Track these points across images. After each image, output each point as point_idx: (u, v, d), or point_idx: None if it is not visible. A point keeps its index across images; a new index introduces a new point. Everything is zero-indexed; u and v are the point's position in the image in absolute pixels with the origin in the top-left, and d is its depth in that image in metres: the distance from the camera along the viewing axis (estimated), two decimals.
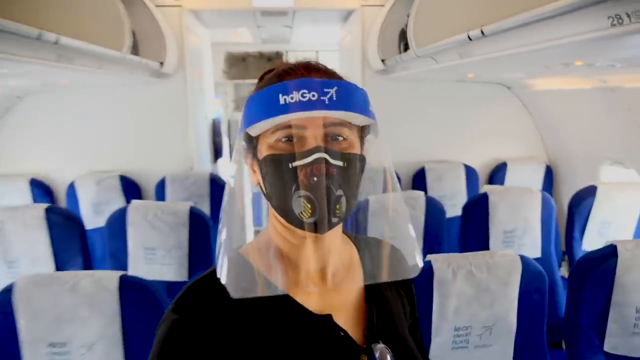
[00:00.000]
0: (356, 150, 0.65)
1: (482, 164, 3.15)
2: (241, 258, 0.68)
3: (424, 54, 2.01)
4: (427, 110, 3.10)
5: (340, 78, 0.68)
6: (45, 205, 2.02)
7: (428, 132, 3.10)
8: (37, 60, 1.57)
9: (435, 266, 1.25)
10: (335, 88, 0.60)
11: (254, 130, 0.65)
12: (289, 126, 0.62)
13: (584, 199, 2.21)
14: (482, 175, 3.15)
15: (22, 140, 2.93)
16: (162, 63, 2.56)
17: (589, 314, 1.30)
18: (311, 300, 0.68)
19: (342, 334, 0.67)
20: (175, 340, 0.62)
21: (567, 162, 2.99)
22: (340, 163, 0.61)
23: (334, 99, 0.60)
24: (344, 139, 0.64)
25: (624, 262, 1.27)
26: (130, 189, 2.96)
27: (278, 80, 0.65)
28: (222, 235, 0.63)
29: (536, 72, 2.25)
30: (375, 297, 0.73)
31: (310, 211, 0.59)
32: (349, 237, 0.77)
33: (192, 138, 3.12)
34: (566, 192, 2.92)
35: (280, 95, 0.60)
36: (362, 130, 0.68)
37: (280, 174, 0.61)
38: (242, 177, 0.66)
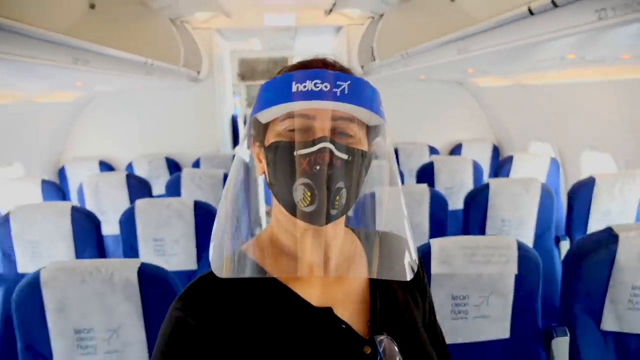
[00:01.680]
0: (363, 147, 0.64)
1: (442, 145, 4.06)
2: (237, 248, 0.66)
3: (383, 64, 2.91)
4: (398, 103, 4.00)
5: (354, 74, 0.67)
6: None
7: (400, 120, 4.00)
8: (131, 75, 2.50)
9: (433, 247, 1.36)
10: (349, 82, 0.60)
11: (264, 117, 0.65)
12: (300, 115, 0.61)
13: (583, 188, 2.29)
14: (443, 153, 4.04)
15: (92, 131, 3.88)
16: (198, 72, 3.48)
17: (586, 294, 1.39)
18: (313, 293, 0.68)
19: (344, 326, 0.66)
20: (178, 338, 0.62)
21: (507, 141, 3.88)
22: (345, 156, 0.61)
23: (346, 92, 0.60)
24: (352, 135, 0.63)
25: (622, 244, 1.35)
26: (173, 166, 3.90)
27: (293, 70, 0.65)
28: (217, 227, 0.64)
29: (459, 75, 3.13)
30: (381, 288, 0.72)
31: (309, 199, 0.59)
32: (352, 231, 0.76)
33: (218, 128, 4.05)
34: (519, 165, 3.79)
35: (294, 83, 0.60)
36: (371, 131, 0.67)
37: (284, 161, 0.61)
38: (242, 169, 0.67)
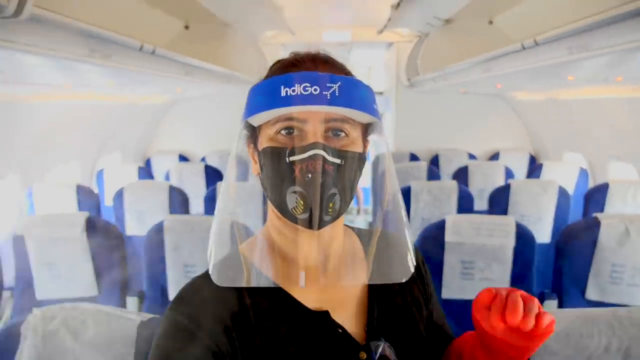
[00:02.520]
0: (357, 147, 0.63)
1: (481, 153, 4.38)
2: (234, 251, 0.65)
3: (426, 79, 3.33)
4: (441, 113, 4.38)
5: (347, 73, 0.67)
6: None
7: (441, 128, 4.38)
8: (215, 84, 3.08)
9: (448, 221, 1.77)
10: (339, 83, 0.58)
11: (255, 121, 0.64)
12: (290, 118, 0.60)
13: (598, 193, 2.60)
14: (482, 160, 4.37)
15: (174, 129, 4.56)
16: None
17: (573, 270, 1.74)
18: (309, 296, 0.67)
19: (340, 330, 0.66)
20: (174, 340, 0.62)
21: (543, 151, 4.14)
22: (337, 161, 0.60)
23: (337, 94, 0.58)
24: (346, 135, 0.62)
25: (604, 230, 1.70)
26: (240, 161, 4.50)
27: (283, 72, 0.63)
28: (215, 229, 0.63)
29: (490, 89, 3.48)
30: (379, 291, 0.70)
31: (302, 208, 0.59)
32: (352, 229, 0.75)
33: None
34: (546, 172, 4.06)
35: (282, 87, 0.58)
36: (367, 128, 0.66)
37: (277, 167, 0.60)
38: (237, 169, 0.65)
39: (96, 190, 3.26)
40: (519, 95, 3.92)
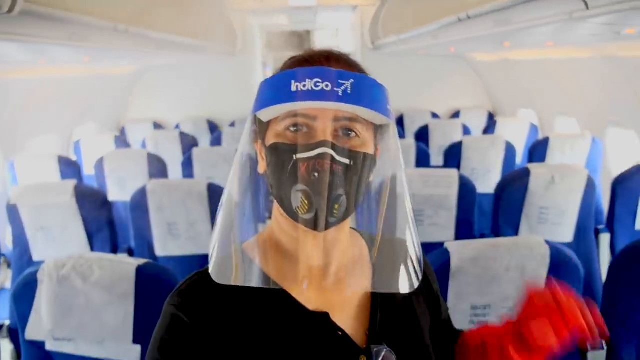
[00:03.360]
0: (368, 149, 0.61)
1: (443, 111, 4.64)
2: (236, 248, 0.63)
3: (387, 42, 3.50)
4: (405, 74, 4.58)
5: (361, 71, 0.65)
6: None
7: (406, 89, 4.60)
8: (184, 53, 3.19)
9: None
10: (352, 81, 0.57)
11: (264, 115, 0.63)
12: (299, 115, 0.59)
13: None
14: (444, 118, 4.63)
15: (146, 98, 4.63)
16: (235, 47, 4.15)
17: (509, 213, 1.53)
18: (310, 297, 0.65)
19: (340, 333, 0.64)
20: (172, 335, 0.62)
21: (500, 108, 4.43)
22: (346, 161, 0.58)
23: (349, 91, 0.57)
24: (357, 135, 0.60)
25: (533, 178, 1.40)
26: (213, 127, 4.64)
27: (295, 67, 0.62)
28: (219, 226, 0.62)
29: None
30: (382, 296, 0.68)
31: (306, 207, 0.57)
32: (361, 234, 0.73)
33: (250, 95, 4.74)
34: (500, 128, 4.36)
35: (293, 81, 0.57)
36: (379, 131, 0.64)
37: (283, 164, 0.59)
38: (245, 166, 0.64)
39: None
40: (477, 57, 4.14)
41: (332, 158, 0.57)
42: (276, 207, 0.66)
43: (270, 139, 0.62)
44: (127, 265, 1.20)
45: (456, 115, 4.62)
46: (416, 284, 0.62)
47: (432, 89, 4.66)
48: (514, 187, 2.10)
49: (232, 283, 0.61)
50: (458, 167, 2.91)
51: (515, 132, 3.64)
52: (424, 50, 3.92)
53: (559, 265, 1.23)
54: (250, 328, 0.63)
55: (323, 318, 0.64)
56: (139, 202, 2.05)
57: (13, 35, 1.11)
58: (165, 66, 4.54)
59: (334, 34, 6.44)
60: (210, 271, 0.61)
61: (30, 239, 2.05)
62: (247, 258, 0.65)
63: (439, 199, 2.06)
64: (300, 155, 0.58)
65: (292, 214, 0.60)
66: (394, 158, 0.63)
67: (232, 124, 4.49)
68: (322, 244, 0.64)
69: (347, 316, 0.66)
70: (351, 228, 0.71)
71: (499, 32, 1.71)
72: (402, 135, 3.75)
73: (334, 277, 0.66)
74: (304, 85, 0.57)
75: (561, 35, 2.05)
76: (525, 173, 2.08)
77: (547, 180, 2.05)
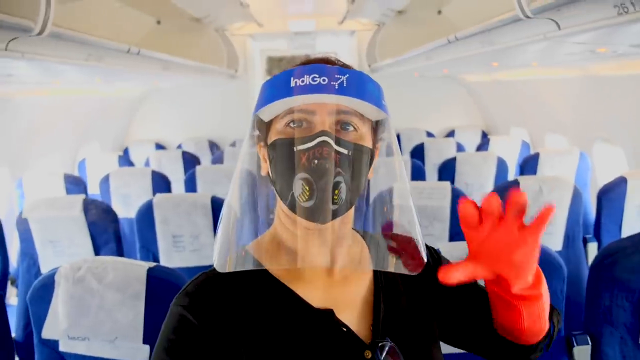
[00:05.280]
0: (366, 143, 0.64)
1: (438, 130, 4.78)
2: (240, 247, 0.66)
3: (383, 64, 3.65)
4: (401, 95, 4.73)
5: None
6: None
7: (402, 109, 4.72)
8: (187, 76, 3.32)
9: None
10: (347, 75, 0.60)
11: (266, 115, 0.65)
12: (299, 111, 0.61)
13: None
14: (439, 137, 4.76)
15: (149, 119, 4.77)
16: (236, 70, 4.30)
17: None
18: (315, 294, 0.67)
19: (345, 329, 0.66)
20: (180, 335, 0.63)
21: (494, 127, 4.57)
22: (345, 150, 0.60)
23: (345, 85, 0.59)
24: (355, 129, 0.63)
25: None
26: (214, 147, 4.75)
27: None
28: (223, 227, 0.63)
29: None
30: (385, 290, 0.70)
31: (307, 194, 0.59)
32: (360, 234, 0.74)
33: (251, 115, 4.89)
34: (493, 145, 4.49)
35: (292, 78, 0.60)
36: (377, 127, 0.66)
37: (284, 157, 0.61)
38: (247, 169, 0.66)
39: None
40: (469, 78, 4.30)
41: (331, 146, 0.59)
42: (279, 207, 0.68)
43: (272, 137, 0.65)
44: (138, 267, 1.27)
45: (451, 134, 4.75)
46: (422, 266, 0.63)
47: (427, 109, 4.82)
48: (503, 198, 2.19)
49: (239, 278, 0.63)
50: (452, 182, 3.01)
51: (507, 149, 3.76)
52: (418, 72, 4.07)
53: (542, 263, 1.30)
54: (257, 327, 0.64)
55: (328, 315, 0.66)
56: (145, 215, 2.14)
57: (40, 55, 1.22)
58: (167, 89, 4.69)
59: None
60: (215, 266, 0.62)
61: (39, 252, 2.13)
62: (252, 257, 0.67)
63: (433, 210, 2.15)
64: (300, 147, 0.60)
65: (294, 205, 0.61)
66: (392, 150, 0.66)
67: (233, 144, 4.60)
68: (327, 241, 0.66)
69: (351, 313, 0.68)
70: (353, 229, 0.72)
71: (485, 52, 1.83)
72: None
73: (339, 274, 0.68)
74: (302, 81, 0.60)
75: (543, 55, 2.19)
76: (514, 184, 2.17)
77: (535, 191, 2.15)
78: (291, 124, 0.63)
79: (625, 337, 1.33)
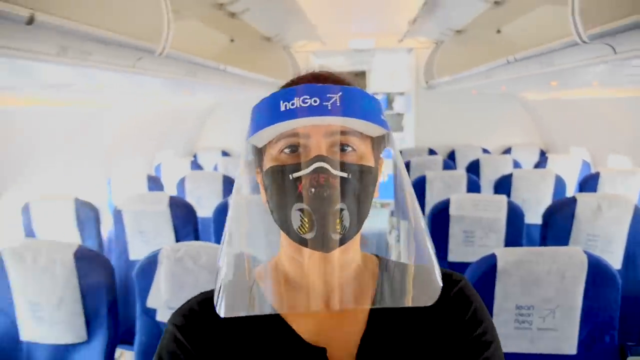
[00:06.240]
0: (366, 162, 0.60)
1: (494, 148, 4.78)
2: (241, 279, 0.61)
3: (441, 82, 3.77)
4: (457, 111, 4.80)
5: (349, 85, 0.63)
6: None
7: (458, 125, 4.81)
8: (256, 89, 3.61)
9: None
10: (340, 94, 0.56)
11: (259, 141, 0.61)
12: (293, 135, 0.58)
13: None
14: (495, 154, 4.77)
15: (216, 129, 5.14)
16: None
17: (556, 238, 1.53)
18: (309, 327, 0.64)
19: None
20: (170, 353, 0.63)
21: (552, 146, 4.52)
22: (344, 174, 0.57)
23: (338, 104, 0.56)
24: (353, 149, 0.59)
25: (580, 205, 1.50)
26: None
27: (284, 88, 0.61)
28: (223, 258, 0.59)
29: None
30: (382, 329, 0.64)
31: (307, 226, 0.55)
32: (379, 260, 0.69)
33: None
34: (551, 164, 4.43)
35: (282, 101, 0.56)
36: (378, 143, 0.63)
37: (281, 186, 0.58)
38: (244, 192, 0.63)
39: None
40: (527, 95, 4.30)
41: (328, 172, 0.56)
42: (283, 236, 0.64)
43: (267, 164, 0.61)
44: None
45: (507, 151, 4.74)
46: (435, 297, 0.57)
47: (484, 126, 4.85)
48: (561, 214, 2.24)
49: (233, 314, 0.58)
50: (508, 197, 3.06)
51: (566, 168, 3.73)
52: (476, 90, 4.14)
53: (597, 272, 1.39)
54: (246, 356, 0.63)
55: (320, 353, 0.62)
56: (222, 213, 2.39)
57: (158, 72, 1.48)
58: (234, 101, 5.04)
59: (389, 74, 6.82)
60: (215, 305, 0.58)
61: (129, 241, 2.43)
62: (245, 285, 0.62)
63: (489, 222, 2.24)
64: (296, 174, 0.57)
65: (295, 237, 0.57)
66: (397, 169, 0.61)
67: None
68: (328, 269, 0.61)
69: (346, 351, 0.63)
70: (368, 253, 0.69)
71: (544, 73, 1.92)
72: (452, 168, 3.93)
73: (339, 305, 0.63)
74: (292, 104, 0.56)
75: (604, 76, 2.23)
76: (572, 201, 2.22)
77: (593, 208, 2.18)
78: (285, 150, 0.59)
79: None
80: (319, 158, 0.56)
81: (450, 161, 3.99)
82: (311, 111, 0.56)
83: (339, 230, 0.56)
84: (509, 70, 2.30)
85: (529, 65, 1.96)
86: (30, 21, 0.80)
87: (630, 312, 1.88)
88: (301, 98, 0.56)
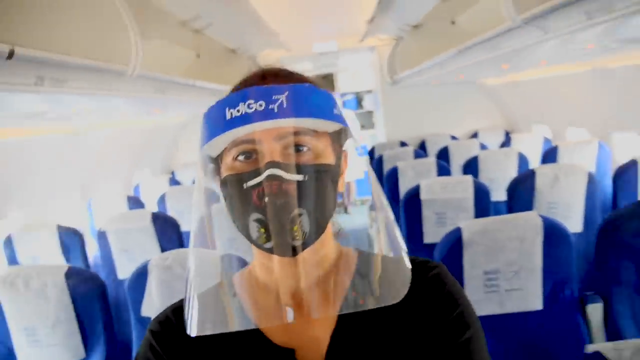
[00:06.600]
0: (326, 159, 0.59)
1: (462, 134, 4.98)
2: (213, 290, 0.62)
3: (403, 76, 3.93)
4: (423, 103, 4.98)
5: (300, 81, 0.62)
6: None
7: (425, 116, 4.99)
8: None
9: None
10: (286, 93, 0.54)
11: (212, 151, 0.60)
12: (244, 142, 0.56)
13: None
14: (462, 139, 4.97)
15: (190, 144, 5.18)
16: None
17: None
18: (278, 329, 0.63)
19: None
20: (144, 354, 0.65)
21: (516, 126, 4.73)
22: (300, 177, 0.55)
23: (284, 106, 0.54)
24: (309, 149, 0.58)
25: (539, 178, 1.81)
26: None
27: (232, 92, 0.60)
28: (192, 269, 0.59)
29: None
30: (353, 326, 0.62)
31: (264, 236, 0.54)
32: (359, 253, 0.67)
33: None
34: (515, 143, 4.64)
35: (227, 109, 0.55)
36: (336, 137, 0.62)
37: (237, 195, 0.56)
38: (205, 203, 0.61)
39: None
40: (487, 81, 4.51)
41: (282, 178, 0.54)
42: None
43: (223, 173, 0.60)
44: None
45: (474, 136, 4.94)
46: (399, 296, 0.56)
47: (450, 115, 5.04)
48: (523, 187, 2.40)
49: (203, 332, 0.57)
50: (476, 178, 3.22)
51: (529, 146, 3.93)
52: (438, 80, 4.32)
53: (551, 233, 1.53)
54: (210, 356, 0.63)
55: (288, 355, 0.62)
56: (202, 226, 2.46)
57: (130, 92, 1.57)
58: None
59: (355, 74, 6.98)
60: (186, 322, 0.58)
61: (116, 259, 2.48)
62: (215, 299, 0.62)
63: (458, 202, 2.38)
64: (249, 183, 0.55)
65: (258, 245, 0.57)
66: (356, 160, 0.60)
67: None
68: (297, 271, 0.60)
69: (316, 352, 0.62)
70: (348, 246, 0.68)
71: (494, 57, 2.08)
72: (424, 157, 4.09)
73: (308, 307, 0.61)
74: (238, 110, 0.54)
75: (548, 54, 2.41)
76: (532, 174, 2.38)
77: (551, 178, 2.34)
78: (239, 157, 0.58)
79: (633, 295, 1.55)
80: (271, 164, 0.55)
81: (421, 151, 4.15)
82: (257, 116, 0.54)
83: (298, 237, 0.55)
84: (461, 59, 2.45)
85: (478, 52, 2.12)
86: (11, 55, 0.88)
87: (587, 266, 2.05)
88: (246, 103, 0.54)
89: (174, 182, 4.21)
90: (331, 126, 0.60)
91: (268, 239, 0.55)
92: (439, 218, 2.41)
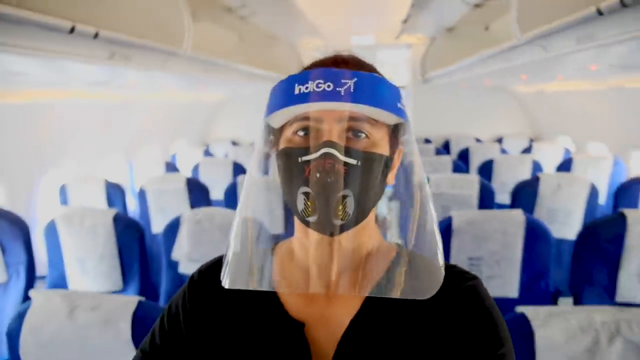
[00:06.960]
0: (380, 149, 0.60)
1: (486, 137, 5.10)
2: (246, 252, 0.64)
3: (434, 75, 4.08)
4: (452, 103, 5.11)
5: (371, 71, 0.63)
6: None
7: (452, 117, 5.11)
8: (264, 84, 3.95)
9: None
10: (355, 80, 0.56)
11: (275, 122, 0.62)
12: (306, 118, 0.58)
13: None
14: (487, 142, 5.07)
15: (227, 121, 5.51)
16: None
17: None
18: (299, 305, 0.65)
19: (306, 349, 0.62)
20: (171, 316, 0.69)
21: (541, 136, 4.81)
22: (353, 161, 0.57)
23: (352, 90, 0.56)
24: (366, 136, 0.59)
25: (542, 184, 2.09)
26: None
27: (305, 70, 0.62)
28: (234, 234, 0.62)
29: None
30: (374, 315, 0.63)
31: (310, 210, 0.56)
32: (399, 248, 0.67)
33: None
34: (536, 151, 4.70)
35: (297, 85, 0.57)
36: (395, 131, 0.63)
37: (290, 168, 0.59)
38: (260, 169, 0.64)
39: None
40: (518, 89, 4.60)
41: (336, 158, 0.56)
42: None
43: (281, 145, 0.62)
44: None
45: (499, 140, 5.04)
46: (431, 292, 0.58)
47: (477, 117, 5.16)
48: (526, 192, 2.56)
49: (235, 286, 0.61)
50: (489, 180, 3.38)
51: (549, 155, 4.03)
52: (466, 83, 4.45)
53: (532, 230, 1.72)
54: (231, 323, 0.66)
55: (297, 328, 0.63)
56: (232, 195, 2.76)
57: (181, 70, 1.84)
58: (243, 95, 5.41)
59: (391, 69, 7.12)
60: (222, 277, 0.62)
61: (152, 216, 2.80)
62: (248, 260, 0.64)
63: (463, 198, 2.57)
64: (305, 158, 0.57)
65: (300, 218, 0.59)
66: (410, 159, 0.62)
67: None
68: (330, 253, 0.62)
69: (327, 332, 0.63)
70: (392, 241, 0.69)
71: (515, 67, 2.24)
72: (445, 155, 4.26)
73: (338, 292, 0.63)
74: (307, 88, 0.57)
75: (569, 69, 2.55)
76: (536, 180, 2.54)
77: (554, 186, 2.50)
78: (299, 132, 0.60)
79: (603, 295, 1.73)
80: (327, 144, 0.57)
81: (443, 149, 4.32)
82: (324, 96, 0.56)
83: (340, 217, 0.56)
84: (490, 64, 2.61)
85: (503, 60, 2.28)
86: (96, 35, 1.15)
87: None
88: (315, 82, 0.57)
89: (207, 154, 4.53)
90: (392, 118, 0.61)
91: (312, 212, 0.57)
92: (443, 211, 2.60)
